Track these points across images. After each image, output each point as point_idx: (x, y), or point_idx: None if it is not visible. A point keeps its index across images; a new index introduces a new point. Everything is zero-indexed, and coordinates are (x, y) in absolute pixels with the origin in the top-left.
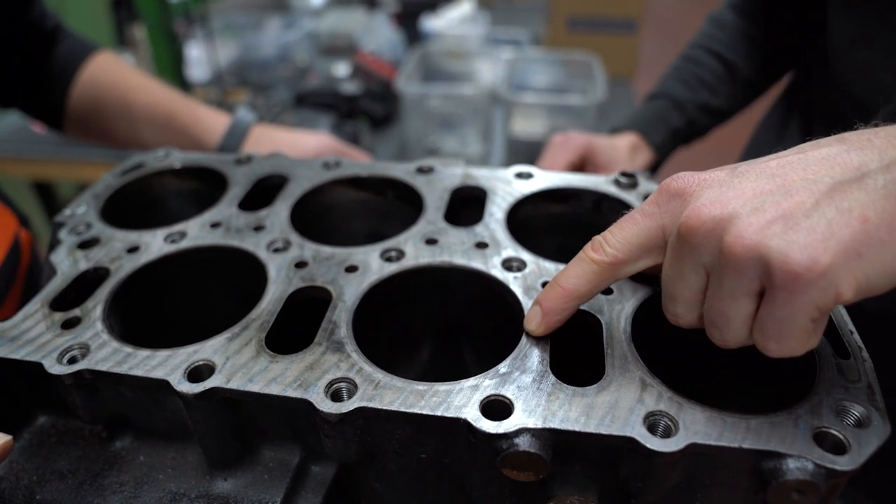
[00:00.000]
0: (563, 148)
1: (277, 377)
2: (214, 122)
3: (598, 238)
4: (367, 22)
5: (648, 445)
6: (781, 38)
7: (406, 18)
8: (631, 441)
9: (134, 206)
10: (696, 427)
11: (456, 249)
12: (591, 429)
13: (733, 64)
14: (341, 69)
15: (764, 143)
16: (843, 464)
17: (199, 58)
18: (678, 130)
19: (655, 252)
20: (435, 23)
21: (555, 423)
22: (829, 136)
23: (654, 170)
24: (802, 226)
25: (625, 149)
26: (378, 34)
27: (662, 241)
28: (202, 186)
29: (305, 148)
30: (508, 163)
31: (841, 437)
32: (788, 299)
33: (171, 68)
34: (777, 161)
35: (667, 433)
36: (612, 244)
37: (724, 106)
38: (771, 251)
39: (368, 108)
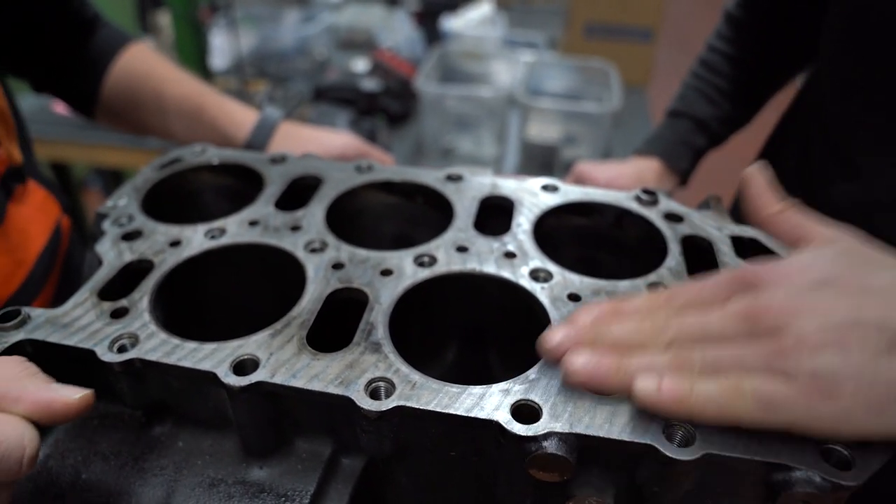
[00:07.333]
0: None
1: (319, 374)
2: (243, 118)
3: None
4: (386, 18)
5: (667, 453)
6: (795, 33)
7: (426, 18)
8: (650, 448)
9: (171, 199)
10: (713, 438)
11: (486, 258)
12: (614, 435)
13: (750, 67)
14: (360, 65)
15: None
16: (847, 479)
17: (220, 47)
18: (702, 150)
19: None
20: (454, 23)
21: (580, 429)
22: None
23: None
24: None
25: (652, 180)
26: (398, 32)
27: None
28: (237, 183)
29: (332, 146)
30: (522, 166)
31: (846, 453)
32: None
33: (195, 56)
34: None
35: (684, 442)
36: None
37: (743, 115)
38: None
39: (387, 106)
